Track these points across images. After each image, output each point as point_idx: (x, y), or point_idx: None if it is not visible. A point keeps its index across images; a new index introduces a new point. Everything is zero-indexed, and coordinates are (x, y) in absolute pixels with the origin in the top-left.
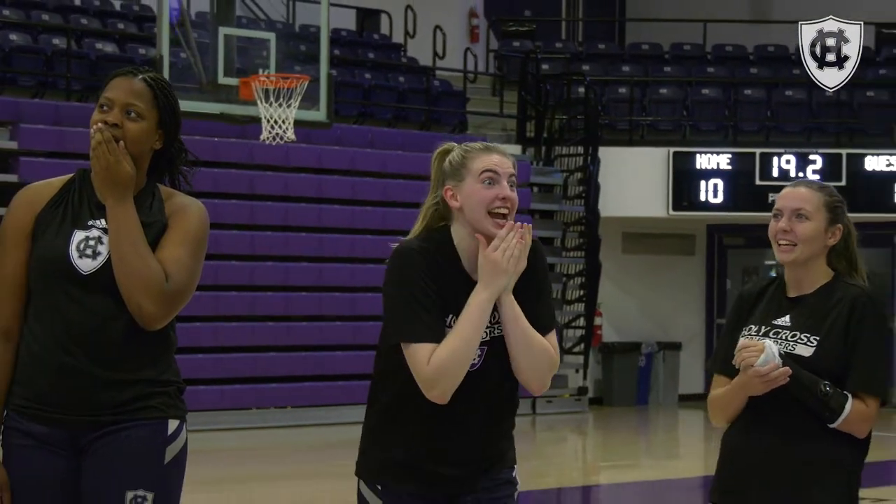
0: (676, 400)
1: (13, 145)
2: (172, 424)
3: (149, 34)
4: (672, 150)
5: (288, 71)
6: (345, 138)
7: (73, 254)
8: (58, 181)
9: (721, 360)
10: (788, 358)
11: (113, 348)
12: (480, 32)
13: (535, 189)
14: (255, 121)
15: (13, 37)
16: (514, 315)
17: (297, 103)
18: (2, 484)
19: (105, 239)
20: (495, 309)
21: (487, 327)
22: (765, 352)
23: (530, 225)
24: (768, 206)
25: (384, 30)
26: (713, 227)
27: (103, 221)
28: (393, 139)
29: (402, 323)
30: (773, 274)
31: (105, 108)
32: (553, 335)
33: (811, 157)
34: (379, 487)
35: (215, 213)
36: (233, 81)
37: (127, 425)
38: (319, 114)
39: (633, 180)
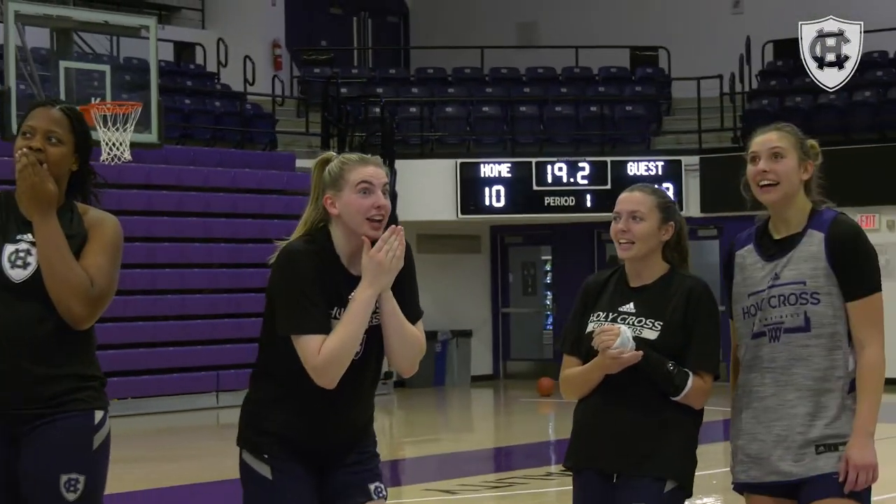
0: (469, 381)
1: None
2: (98, 415)
3: None
4: (459, 161)
5: (117, 99)
6: (171, 157)
7: (6, 265)
8: None
9: (570, 343)
10: (637, 340)
11: (45, 347)
12: (284, 61)
13: None
14: (95, 144)
15: None
16: (393, 308)
17: (133, 127)
18: None
19: (33, 251)
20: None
21: None
22: (621, 335)
23: (402, 227)
24: (545, 209)
25: (199, 60)
26: (496, 228)
27: (30, 235)
28: (212, 157)
29: (293, 317)
30: (548, 268)
31: (28, 135)
32: (420, 323)
33: (580, 164)
34: (266, 456)
35: None
36: None
37: (58, 416)
38: (151, 136)
39: (425, 189)
